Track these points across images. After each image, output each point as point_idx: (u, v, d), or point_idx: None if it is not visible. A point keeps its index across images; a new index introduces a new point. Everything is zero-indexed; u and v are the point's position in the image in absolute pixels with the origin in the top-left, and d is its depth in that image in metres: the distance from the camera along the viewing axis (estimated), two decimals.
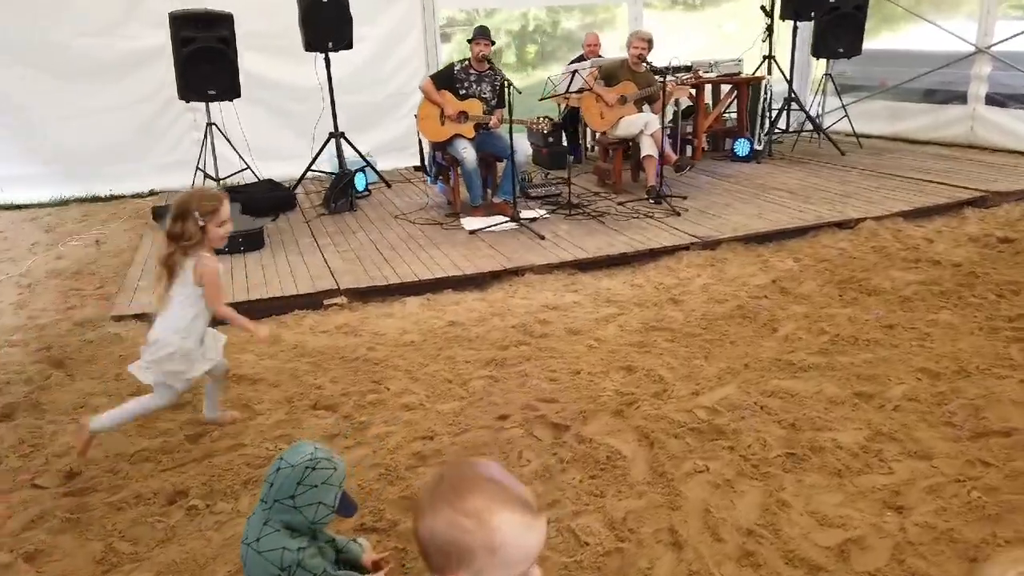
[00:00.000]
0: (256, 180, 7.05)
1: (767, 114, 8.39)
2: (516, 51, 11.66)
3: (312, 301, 4.55)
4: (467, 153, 6.00)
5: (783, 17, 7.89)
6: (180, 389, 2.99)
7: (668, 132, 7.93)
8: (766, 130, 8.29)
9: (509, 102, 6.04)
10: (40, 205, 7.71)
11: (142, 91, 7.73)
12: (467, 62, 6.19)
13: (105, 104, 7.69)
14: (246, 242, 5.46)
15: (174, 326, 2.90)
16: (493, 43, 6.22)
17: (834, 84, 8.58)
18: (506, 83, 5.93)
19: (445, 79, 6.14)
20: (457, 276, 4.89)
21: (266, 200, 6.58)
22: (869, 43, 10.43)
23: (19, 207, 7.68)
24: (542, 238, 5.54)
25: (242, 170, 7.07)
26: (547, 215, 6.15)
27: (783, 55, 8.35)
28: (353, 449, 3.05)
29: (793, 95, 8.20)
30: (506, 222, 5.79)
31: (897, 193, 6.33)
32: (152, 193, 7.96)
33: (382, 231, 6.00)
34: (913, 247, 5.23)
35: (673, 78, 6.57)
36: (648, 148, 6.46)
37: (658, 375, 3.55)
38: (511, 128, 5.74)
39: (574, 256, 5.14)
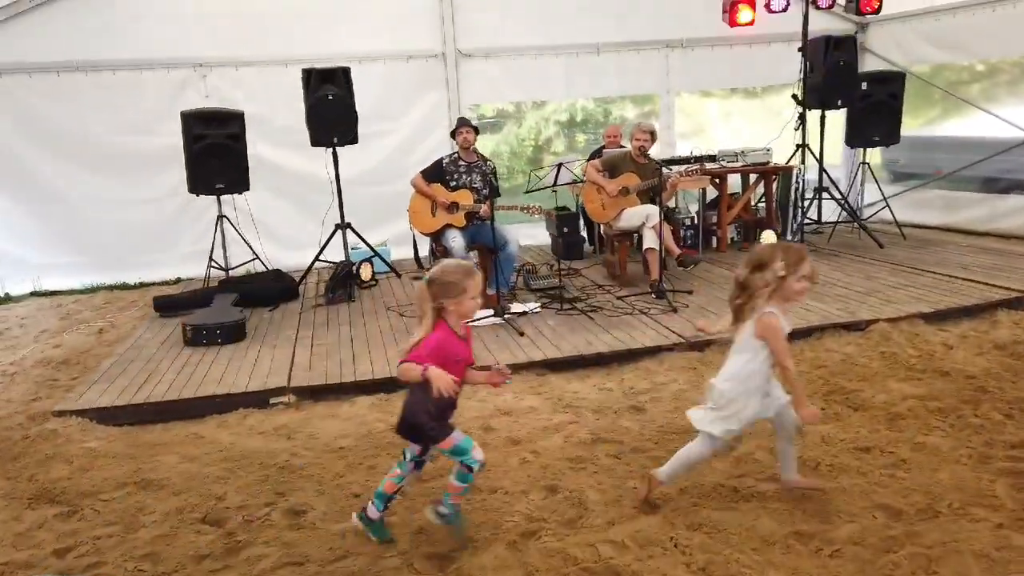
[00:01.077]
0: (265, 270, 7.12)
1: (800, 204, 7.97)
2: (566, 140, 11.74)
3: (260, 399, 4.41)
4: (455, 243, 5.88)
5: (809, 106, 7.56)
6: (733, 429, 2.93)
7: (688, 224, 7.70)
8: (798, 221, 7.86)
9: (494, 193, 5.96)
10: (71, 292, 8.03)
11: (172, 184, 8.02)
12: (456, 154, 6.16)
13: (139, 196, 8.06)
14: (224, 334, 5.43)
15: (732, 373, 2.92)
16: (477, 131, 6.18)
17: (872, 172, 8.09)
18: (494, 172, 5.86)
19: (434, 173, 6.11)
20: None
21: (268, 290, 6.62)
22: (924, 130, 10.01)
23: (52, 294, 8.02)
24: (521, 335, 5.29)
25: (251, 260, 7.18)
26: (538, 309, 5.91)
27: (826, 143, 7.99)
28: (220, 573, 2.82)
29: (824, 184, 7.78)
30: (490, 316, 5.57)
31: (925, 292, 5.78)
32: (178, 280, 8.18)
33: (368, 324, 5.89)
34: (927, 354, 4.69)
35: (675, 170, 6.33)
36: (649, 241, 6.18)
37: (581, 498, 3.20)
38: (493, 219, 5.60)
39: (546, 356, 4.85)
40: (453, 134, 6.15)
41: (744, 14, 7.79)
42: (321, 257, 7.03)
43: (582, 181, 6.04)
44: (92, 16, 7.73)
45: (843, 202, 8.10)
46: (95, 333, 6.33)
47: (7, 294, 8.04)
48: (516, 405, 4.30)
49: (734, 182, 8.18)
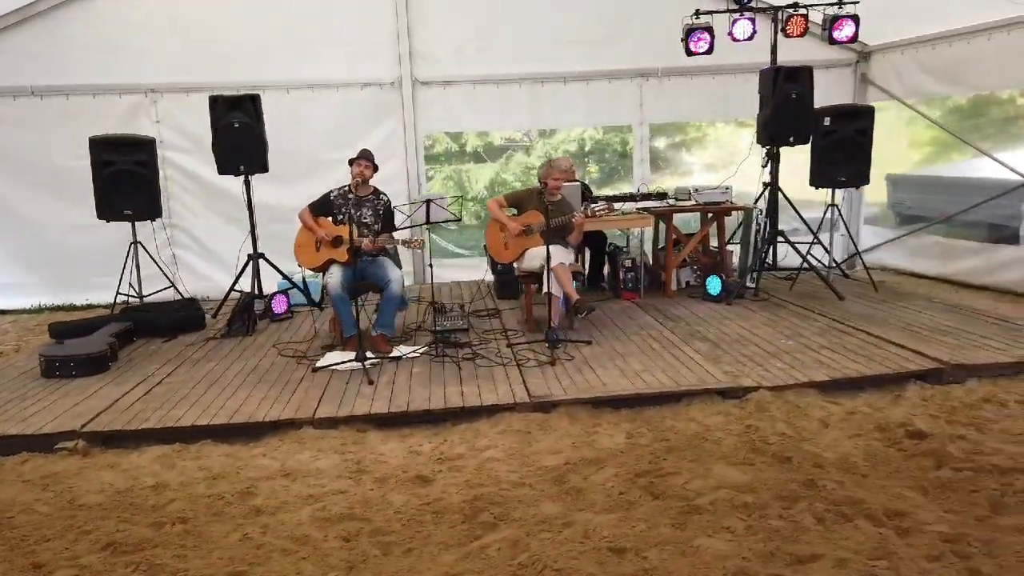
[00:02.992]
0: (182, 299, 7.00)
1: (760, 247, 7.30)
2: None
3: (48, 443, 4.19)
4: (331, 279, 5.56)
5: (760, 142, 6.93)
6: None
7: (628, 266, 7.17)
8: (752, 265, 7.20)
9: (388, 228, 5.64)
10: (20, 311, 8.12)
11: None
12: (347, 187, 5.86)
13: (87, 220, 8.08)
14: (78, 366, 5.26)
15: None
16: (376, 167, 5.86)
17: (842, 216, 7.34)
18: (388, 206, 5.58)
19: (321, 206, 5.82)
20: (232, 424, 4.36)
21: (167, 320, 6.46)
22: (929, 168, 9.14)
23: (4, 312, 8.13)
24: (371, 383, 4.91)
25: (165, 288, 7.07)
26: (419, 354, 5.52)
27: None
28: None
29: (790, 228, 7.10)
30: (351, 360, 5.22)
31: (840, 356, 5.09)
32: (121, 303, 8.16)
33: (237, 361, 5.63)
34: (795, 433, 4.06)
35: (582, 210, 5.85)
36: (549, 285, 5.71)
37: None
38: (383, 254, 5.26)
39: (371, 410, 4.46)
40: (351, 163, 5.86)
41: (701, 43, 7.23)
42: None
43: (458, 220, 5.63)
44: (48, 43, 7.85)
45: (810, 246, 7.38)
46: None
47: None
48: (305, 466, 3.93)
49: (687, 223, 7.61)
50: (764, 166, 7.33)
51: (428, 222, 5.41)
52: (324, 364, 5.33)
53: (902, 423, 4.10)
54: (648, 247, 7.83)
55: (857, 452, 3.79)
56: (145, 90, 8.10)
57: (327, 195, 5.86)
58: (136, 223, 6.80)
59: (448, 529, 3.21)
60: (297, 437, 4.29)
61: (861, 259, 7.43)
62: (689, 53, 7.23)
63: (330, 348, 5.81)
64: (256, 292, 6.73)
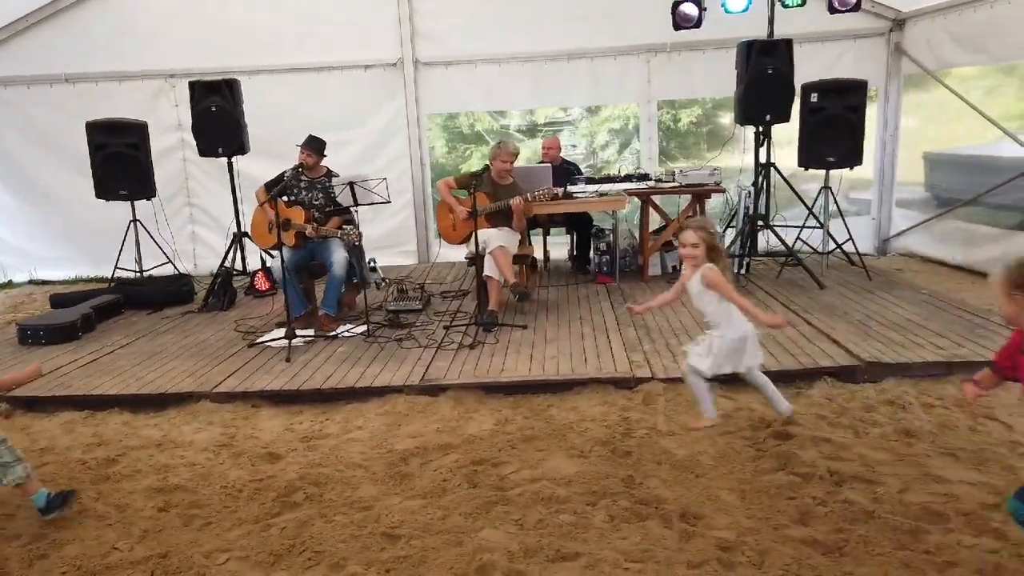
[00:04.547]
0: (175, 274, 7.43)
1: (743, 231, 6.98)
2: (618, 148, 11.19)
3: None
4: (275, 261, 5.78)
5: (737, 121, 6.58)
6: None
7: (603, 249, 7.05)
8: (731, 250, 6.88)
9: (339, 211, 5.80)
10: (60, 282, 8.87)
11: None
12: (300, 168, 6.03)
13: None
14: (48, 335, 5.74)
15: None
16: (322, 155, 6.00)
17: (835, 200, 6.87)
18: (329, 188, 5.73)
19: (275, 185, 6.02)
20: (139, 395, 4.66)
21: (155, 294, 6.91)
22: (966, 147, 8.40)
23: (44, 283, 8.90)
24: (287, 360, 5.10)
25: (163, 264, 7.52)
26: (353, 334, 5.66)
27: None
28: None
29: (759, 212, 6.74)
30: (281, 338, 5.43)
31: (761, 350, 4.81)
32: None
33: (192, 334, 5.97)
34: (660, 429, 3.93)
35: (524, 195, 5.79)
36: (487, 268, 5.71)
37: None
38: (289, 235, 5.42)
39: (267, 387, 4.64)
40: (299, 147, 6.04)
41: (688, 13, 6.91)
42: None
43: (387, 202, 5.67)
44: (78, 34, 8.44)
45: (800, 230, 6.99)
46: None
47: (10, 280, 9.06)
48: (182, 438, 4.16)
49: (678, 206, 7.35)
50: (760, 145, 6.99)
51: (356, 204, 5.50)
52: (260, 340, 5.57)
53: (774, 420, 3.88)
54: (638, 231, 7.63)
55: (710, 450, 3.63)
56: (165, 76, 8.58)
57: (282, 175, 6.07)
58: (139, 202, 7.23)
59: (257, 506, 3.34)
60: (193, 410, 4.53)
61: (854, 243, 6.93)
62: (677, 27, 6.95)
63: (284, 325, 6.04)
64: (237, 269, 7.04)
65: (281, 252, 5.42)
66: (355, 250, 6.25)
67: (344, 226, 5.75)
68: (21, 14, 8.38)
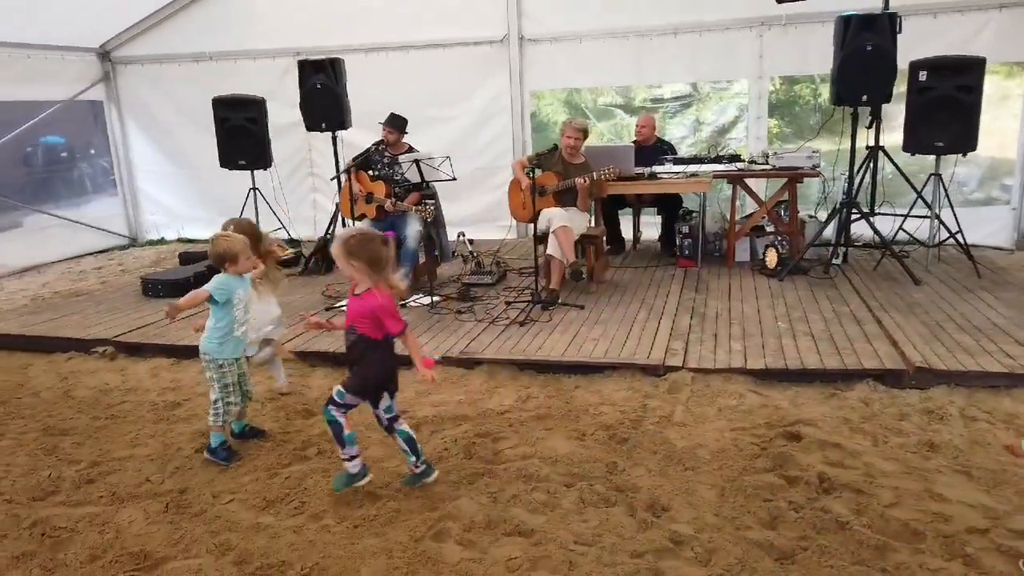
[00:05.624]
0: (287, 239, 8.08)
1: (832, 219, 6.58)
2: (746, 125, 10.85)
3: (86, 346, 5.34)
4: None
5: (833, 103, 6.18)
6: None
7: (686, 232, 6.92)
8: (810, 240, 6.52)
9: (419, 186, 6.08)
10: (201, 241, 9.87)
11: (279, 157, 9.31)
12: (383, 145, 6.36)
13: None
14: (165, 288, 6.47)
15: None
16: (404, 132, 6.28)
17: (944, 187, 6.32)
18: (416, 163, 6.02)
19: (363, 161, 6.40)
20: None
21: None
22: None
23: (190, 241, 9.95)
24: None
25: (276, 230, 8.17)
26: (417, 303, 5.95)
27: None
28: None
29: (855, 200, 6.32)
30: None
31: (811, 345, 4.64)
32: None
33: (287, 295, 6.44)
34: (673, 420, 3.91)
35: (589, 174, 5.79)
36: (549, 247, 5.80)
37: None
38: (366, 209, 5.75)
39: (324, 348, 5.03)
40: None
41: None
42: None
43: (453, 179, 5.84)
44: (219, 15, 9.27)
45: (904, 219, 6.50)
46: (121, 274, 7.89)
47: (162, 238, 10.21)
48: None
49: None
50: (868, 127, 6.55)
51: (423, 181, 5.74)
52: (336, 305, 5.99)
53: (796, 422, 3.75)
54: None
55: (713, 445, 3.60)
56: (292, 54, 9.22)
57: (367, 150, 6.44)
58: (258, 170, 7.90)
59: (274, 457, 3.70)
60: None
61: (962, 237, 6.34)
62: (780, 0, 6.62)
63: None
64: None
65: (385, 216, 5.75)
66: (435, 224, 6.56)
67: (424, 202, 6.02)
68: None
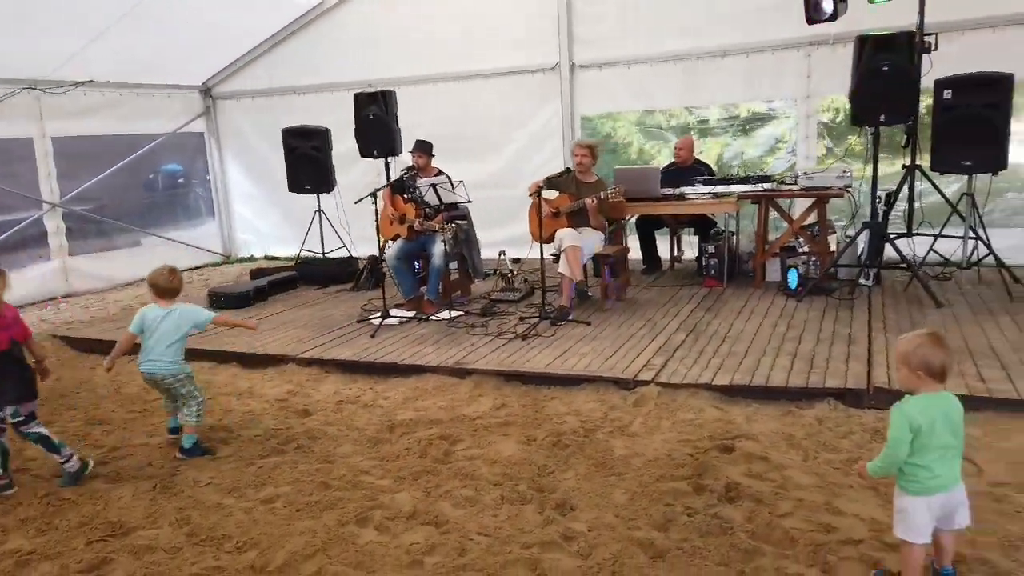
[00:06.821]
0: (346, 257, 8.73)
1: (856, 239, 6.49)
2: (831, 144, 10.75)
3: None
4: (388, 251, 6.68)
5: (853, 123, 6.12)
6: None
7: (711, 251, 7.01)
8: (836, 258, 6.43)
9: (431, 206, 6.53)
10: (284, 258, 10.75)
11: (348, 181, 10.04)
12: (414, 170, 6.84)
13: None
14: (227, 301, 7.22)
15: None
16: (431, 155, 6.73)
17: (976, 206, 6.10)
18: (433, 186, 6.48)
19: (397, 186, 6.90)
20: (248, 353, 5.80)
21: (324, 274, 8.25)
22: None
23: (274, 258, 10.86)
24: (371, 337, 5.96)
25: (339, 248, 8.84)
26: (438, 318, 6.35)
27: None
28: None
29: (881, 219, 6.21)
30: (378, 318, 6.30)
31: (785, 364, 4.70)
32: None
33: (328, 308, 7.10)
34: (625, 430, 4.12)
35: (596, 195, 6.03)
36: (560, 266, 6.08)
37: None
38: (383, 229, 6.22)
39: (339, 357, 5.52)
40: (412, 152, 6.88)
41: (823, 6, 6.54)
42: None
43: (468, 201, 6.20)
44: (305, 52, 10.16)
45: (935, 240, 6.32)
46: (203, 287, 8.74)
47: (251, 256, 11.19)
48: (260, 389, 5.19)
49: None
50: (904, 146, 6.45)
51: (441, 204, 6.16)
52: (367, 318, 6.50)
53: (738, 436, 3.87)
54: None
55: (650, 454, 3.79)
56: (367, 85, 9.93)
57: (400, 177, 6.94)
58: (323, 195, 8.60)
59: (259, 449, 4.19)
60: (283, 369, 5.56)
61: (997, 258, 6.08)
62: (810, 21, 6.63)
63: (400, 307, 6.94)
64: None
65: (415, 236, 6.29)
66: (467, 243, 6.98)
67: (453, 222, 6.45)
68: (265, 37, 10.25)
